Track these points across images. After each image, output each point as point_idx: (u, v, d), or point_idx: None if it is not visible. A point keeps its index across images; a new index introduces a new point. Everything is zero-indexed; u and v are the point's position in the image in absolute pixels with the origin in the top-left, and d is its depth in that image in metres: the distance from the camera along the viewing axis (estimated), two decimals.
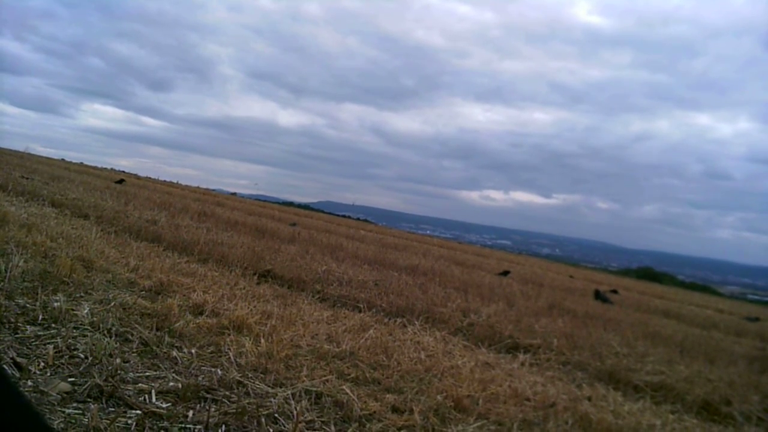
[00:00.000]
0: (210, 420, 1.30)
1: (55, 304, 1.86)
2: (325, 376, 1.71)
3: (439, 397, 1.69)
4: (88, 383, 1.35)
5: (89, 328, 1.74)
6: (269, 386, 1.57)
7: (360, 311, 2.82)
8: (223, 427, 1.30)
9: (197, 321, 2.04)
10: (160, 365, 1.59)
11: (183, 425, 1.27)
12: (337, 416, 1.48)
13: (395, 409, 1.59)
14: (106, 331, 1.72)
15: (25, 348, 1.51)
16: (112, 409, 1.28)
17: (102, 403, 1.30)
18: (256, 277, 3.21)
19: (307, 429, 1.36)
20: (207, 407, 1.37)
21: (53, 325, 1.71)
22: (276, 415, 1.39)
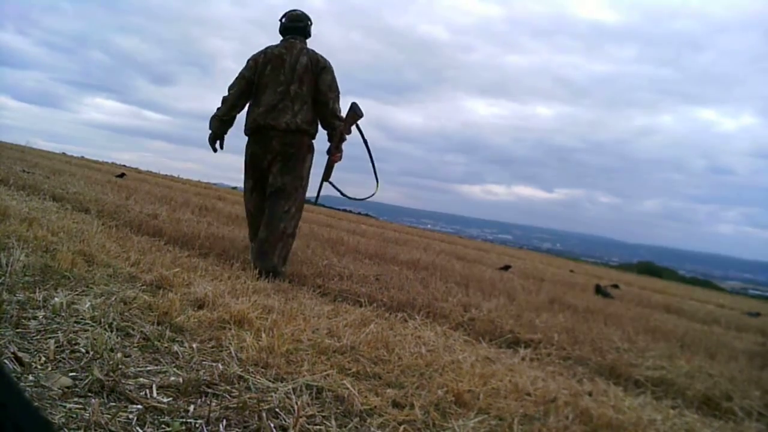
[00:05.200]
0: (211, 414, 1.30)
1: (56, 299, 1.86)
2: (326, 370, 1.71)
3: (440, 392, 1.69)
4: (89, 378, 1.35)
5: (90, 322, 1.74)
6: (270, 381, 1.57)
7: (361, 306, 2.82)
8: (224, 421, 1.29)
9: (198, 315, 2.04)
10: (161, 360, 1.59)
11: (184, 420, 1.27)
12: (338, 411, 1.48)
13: (396, 404, 1.59)
14: (107, 326, 1.73)
15: (26, 343, 1.51)
16: (113, 404, 1.29)
17: (103, 398, 1.30)
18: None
19: (308, 423, 1.36)
20: (208, 402, 1.37)
21: (54, 319, 1.72)
22: (277, 409, 1.39)
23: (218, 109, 3.61)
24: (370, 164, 3.55)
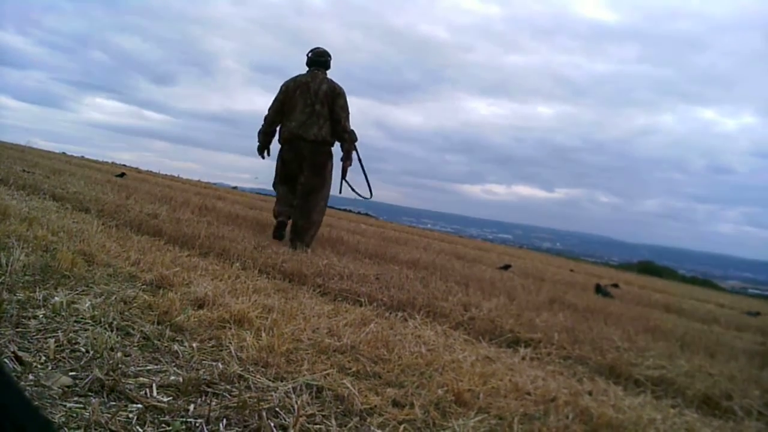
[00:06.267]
0: (211, 414, 1.30)
1: (56, 298, 1.86)
2: (326, 370, 1.71)
3: (440, 391, 1.69)
4: (89, 377, 1.35)
5: (90, 322, 1.74)
6: (270, 380, 1.57)
7: (361, 305, 2.82)
8: (224, 420, 1.30)
9: (198, 315, 2.04)
10: (161, 359, 1.60)
11: (184, 419, 1.27)
12: (338, 410, 1.48)
13: (396, 403, 1.59)
14: (107, 325, 1.73)
15: (26, 342, 1.51)
16: (113, 403, 1.29)
17: (103, 397, 1.30)
18: (256, 271, 3.20)
19: (308, 423, 1.36)
20: (208, 401, 1.37)
21: (54, 318, 1.72)
22: (277, 408, 1.39)
23: (262, 125, 4.85)
24: (364, 177, 4.93)
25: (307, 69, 4.73)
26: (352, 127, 4.62)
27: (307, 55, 4.75)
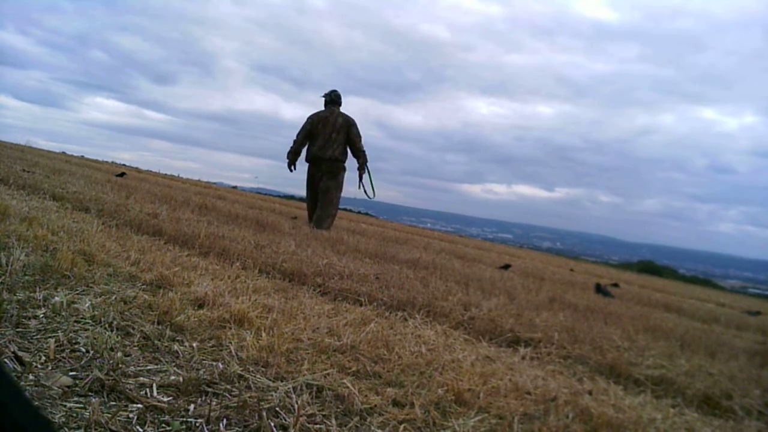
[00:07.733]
0: (211, 414, 1.30)
1: (56, 298, 1.86)
2: (326, 369, 1.71)
3: (440, 391, 1.69)
4: (90, 377, 1.35)
5: (90, 321, 1.74)
6: (270, 380, 1.57)
7: (361, 305, 2.82)
8: (225, 420, 1.30)
9: (198, 315, 2.04)
10: (162, 359, 1.60)
11: (184, 419, 1.27)
12: (338, 410, 1.48)
13: (396, 403, 1.59)
14: (107, 325, 1.73)
15: (26, 342, 1.52)
16: (114, 403, 1.29)
17: (103, 397, 1.30)
18: (256, 271, 3.20)
19: (308, 422, 1.36)
20: (208, 401, 1.38)
21: (54, 318, 1.72)
22: (277, 408, 1.39)
23: (292, 146, 6.60)
24: (370, 183, 6.83)
25: (325, 106, 6.58)
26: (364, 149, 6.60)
27: (324, 96, 6.62)
